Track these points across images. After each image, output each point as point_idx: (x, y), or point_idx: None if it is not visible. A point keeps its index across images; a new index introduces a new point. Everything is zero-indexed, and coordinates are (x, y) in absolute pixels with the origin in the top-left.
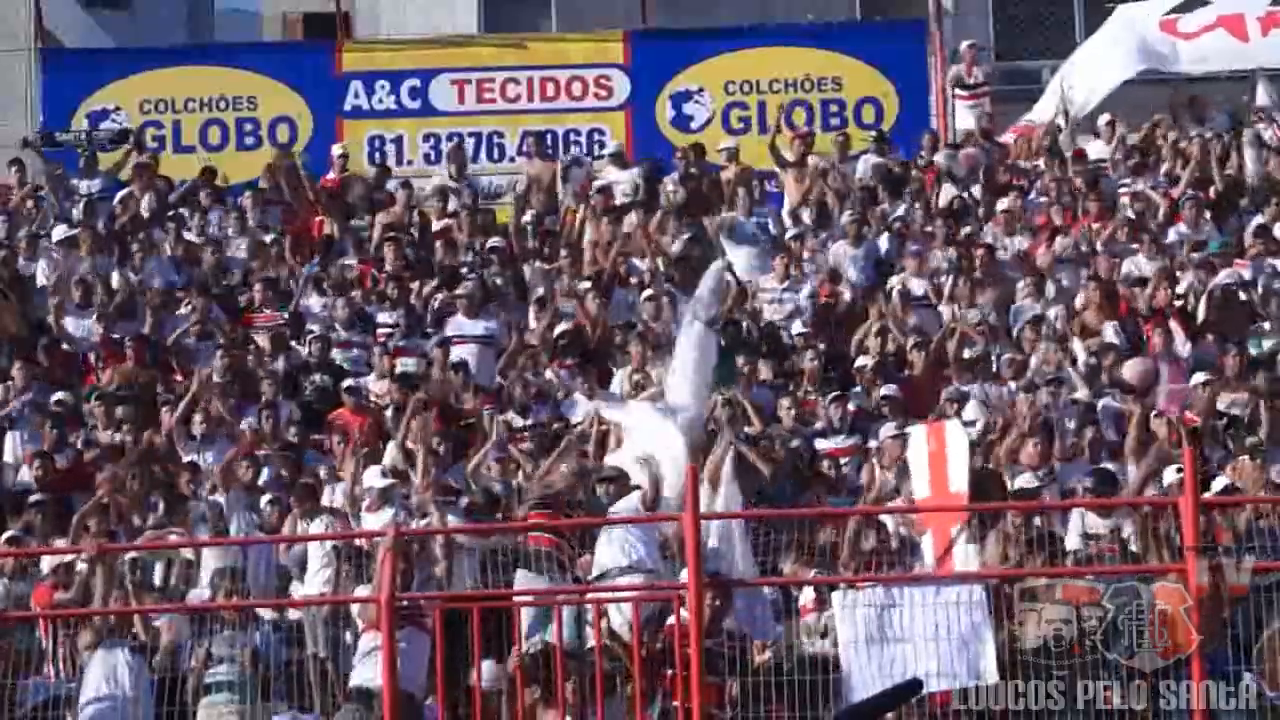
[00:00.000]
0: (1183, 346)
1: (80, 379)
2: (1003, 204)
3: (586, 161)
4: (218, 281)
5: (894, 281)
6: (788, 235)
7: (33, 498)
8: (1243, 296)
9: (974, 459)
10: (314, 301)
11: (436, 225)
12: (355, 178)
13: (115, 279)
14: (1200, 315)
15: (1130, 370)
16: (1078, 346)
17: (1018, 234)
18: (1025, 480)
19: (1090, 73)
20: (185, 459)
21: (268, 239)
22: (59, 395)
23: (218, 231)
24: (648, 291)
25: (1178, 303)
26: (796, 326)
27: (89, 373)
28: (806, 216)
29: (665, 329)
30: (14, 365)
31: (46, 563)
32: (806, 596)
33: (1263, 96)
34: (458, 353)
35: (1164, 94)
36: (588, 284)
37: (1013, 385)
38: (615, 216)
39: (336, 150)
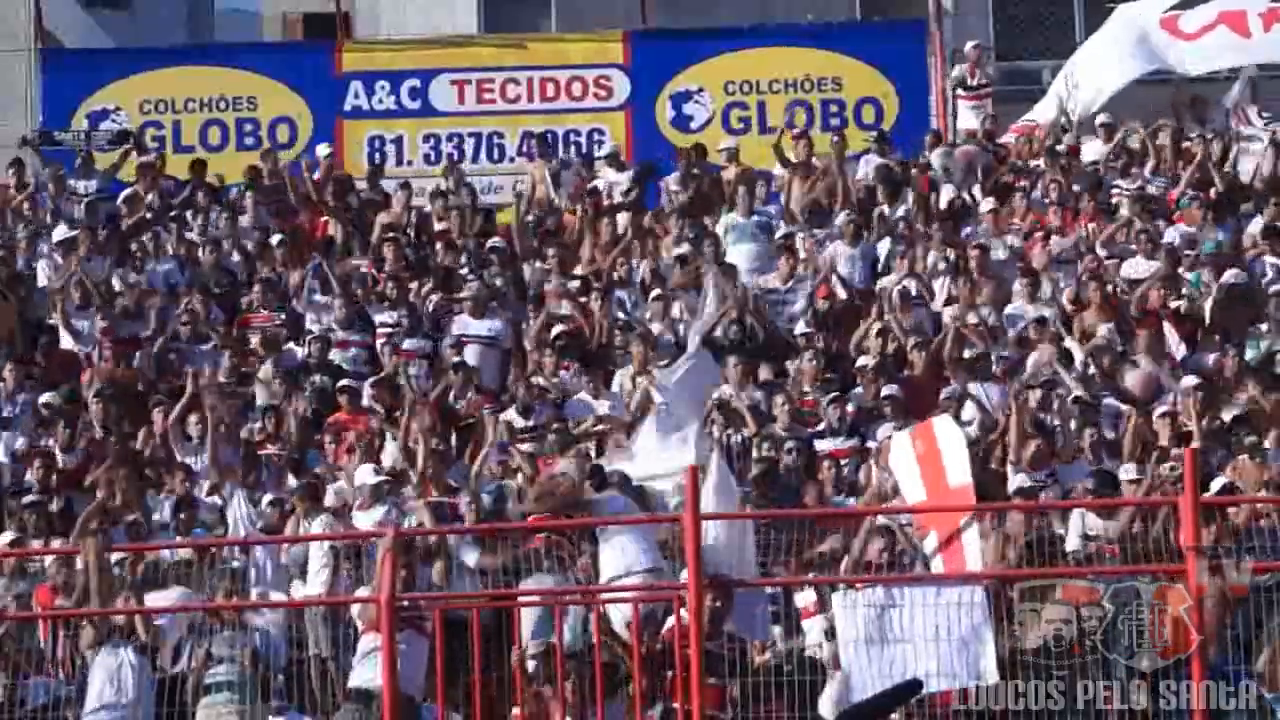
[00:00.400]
0: (1176, 348)
1: (79, 379)
2: (989, 204)
3: (575, 162)
4: (219, 282)
5: (885, 282)
6: (779, 234)
7: (27, 498)
8: (1244, 297)
9: (973, 459)
10: (314, 301)
11: (437, 226)
12: (339, 177)
13: (116, 279)
14: (1206, 316)
15: (1133, 379)
16: (1074, 347)
17: (1008, 233)
18: (1025, 480)
19: (1093, 73)
20: (182, 460)
21: (274, 240)
22: (48, 397)
23: (217, 231)
24: (655, 292)
25: (1175, 303)
26: (798, 326)
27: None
28: (806, 217)
29: (669, 329)
30: (6, 366)
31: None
32: (807, 599)
33: (1236, 94)
34: (462, 353)
35: (1165, 94)
36: (581, 284)
37: (1009, 385)
38: (611, 217)
39: (322, 151)
